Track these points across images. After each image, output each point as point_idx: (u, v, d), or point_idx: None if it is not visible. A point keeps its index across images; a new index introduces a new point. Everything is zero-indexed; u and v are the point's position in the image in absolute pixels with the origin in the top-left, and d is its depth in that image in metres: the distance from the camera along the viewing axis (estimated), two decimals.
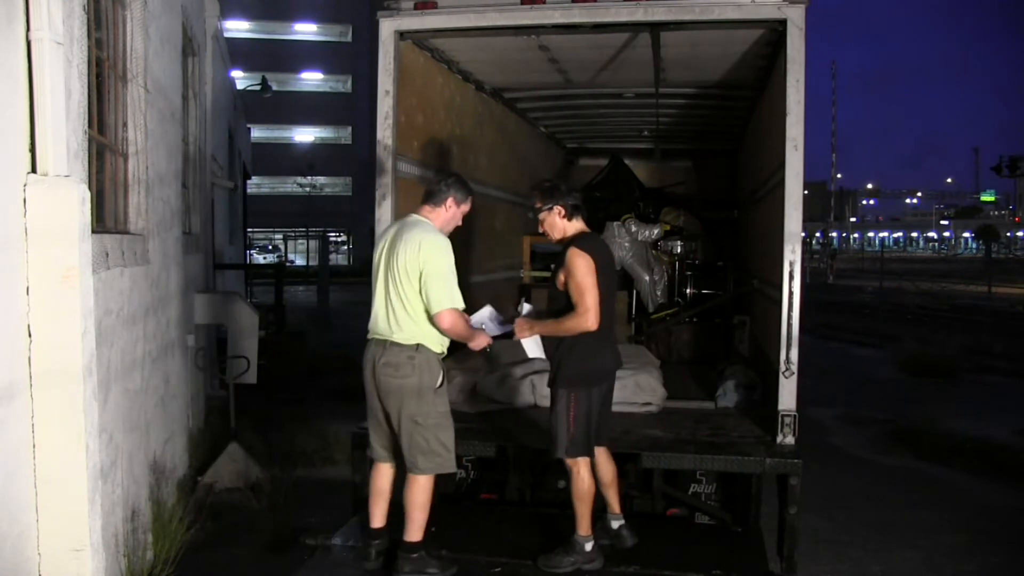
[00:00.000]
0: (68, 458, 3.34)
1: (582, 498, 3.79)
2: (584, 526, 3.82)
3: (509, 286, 8.02)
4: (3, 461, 3.11)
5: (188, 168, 7.31)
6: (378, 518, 3.92)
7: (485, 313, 3.86)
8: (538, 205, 3.89)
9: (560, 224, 3.87)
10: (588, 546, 3.83)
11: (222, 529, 5.45)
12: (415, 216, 3.81)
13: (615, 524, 3.95)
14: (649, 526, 4.42)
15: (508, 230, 7.90)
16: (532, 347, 3.92)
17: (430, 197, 3.82)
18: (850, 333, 16.45)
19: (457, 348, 5.79)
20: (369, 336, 3.78)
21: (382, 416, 3.79)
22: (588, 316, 3.66)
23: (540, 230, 3.97)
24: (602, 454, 3.96)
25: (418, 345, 3.66)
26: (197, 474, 6.16)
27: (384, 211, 4.86)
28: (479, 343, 3.81)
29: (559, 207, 3.85)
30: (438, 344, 3.74)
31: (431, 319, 3.63)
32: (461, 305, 3.65)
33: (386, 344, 3.68)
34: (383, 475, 3.92)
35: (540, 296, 7.65)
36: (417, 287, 3.61)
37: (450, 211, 3.82)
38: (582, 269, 3.67)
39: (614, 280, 3.95)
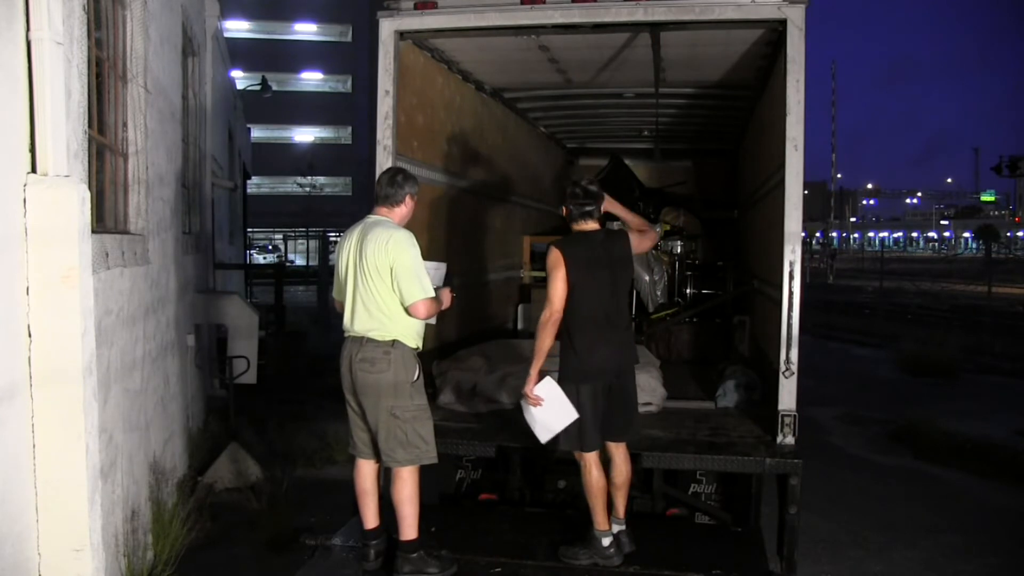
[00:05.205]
0: (68, 458, 3.34)
1: (591, 492, 3.87)
2: (599, 520, 3.88)
3: (509, 286, 8.02)
4: (3, 461, 3.11)
5: (188, 168, 7.31)
6: (371, 519, 3.94)
7: (546, 386, 3.89)
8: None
9: (568, 221, 4.05)
10: (605, 541, 3.87)
11: (222, 529, 5.45)
12: (374, 216, 3.86)
13: (615, 528, 3.96)
14: (649, 526, 4.43)
15: (508, 230, 7.90)
16: (557, 410, 3.86)
17: (386, 200, 3.87)
18: (850, 333, 16.44)
19: (456, 348, 5.82)
20: (346, 335, 3.83)
21: (360, 412, 3.83)
22: (547, 307, 3.84)
23: None
24: (618, 454, 4.00)
25: (394, 341, 3.72)
26: (197, 474, 6.16)
27: None
28: (446, 302, 3.92)
29: (563, 207, 4.05)
30: (413, 339, 3.79)
31: (406, 313, 3.70)
32: (431, 293, 3.73)
33: (362, 341, 3.74)
34: (365, 474, 3.94)
35: (540, 296, 7.66)
36: (388, 283, 3.67)
37: (407, 207, 3.93)
38: (548, 264, 3.91)
39: (607, 280, 3.93)
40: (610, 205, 4.09)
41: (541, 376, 3.90)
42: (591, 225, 3.99)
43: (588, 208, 3.96)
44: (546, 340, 3.84)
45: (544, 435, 3.93)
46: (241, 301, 7.40)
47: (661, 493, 4.95)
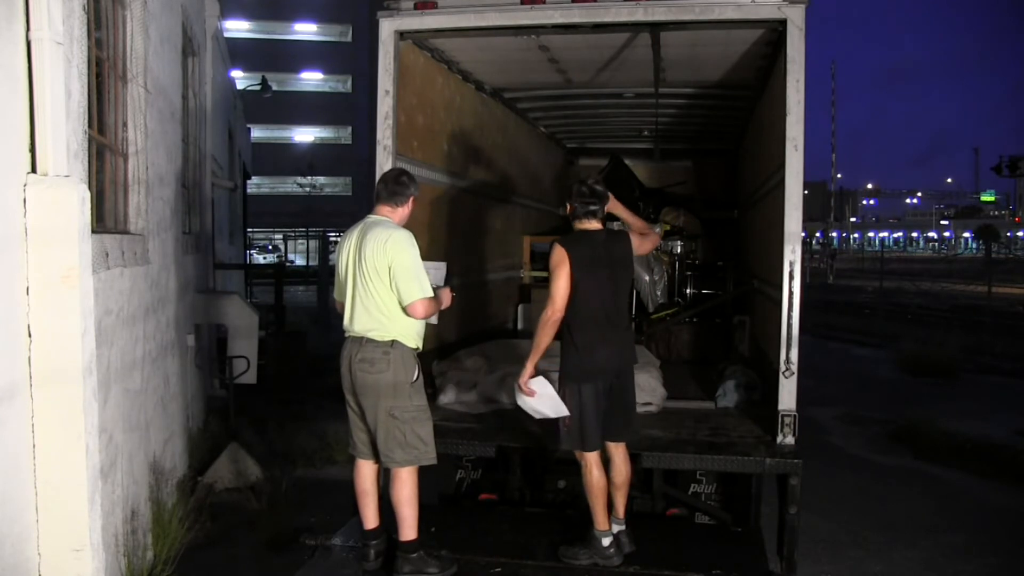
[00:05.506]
0: (68, 458, 3.34)
1: (592, 492, 3.87)
2: (599, 520, 3.88)
3: (509, 286, 8.02)
4: (3, 461, 3.11)
5: (188, 168, 7.31)
6: (370, 519, 3.94)
7: (539, 383, 3.93)
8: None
9: (572, 219, 4.05)
10: (605, 541, 3.88)
11: (222, 529, 5.45)
12: (375, 216, 3.87)
13: (615, 528, 3.96)
14: (649, 526, 4.43)
15: (508, 230, 7.90)
16: (548, 404, 3.92)
17: (392, 197, 3.88)
18: (850, 333, 16.44)
19: (456, 348, 5.81)
20: (346, 335, 3.84)
21: (359, 412, 3.84)
22: (549, 305, 3.84)
23: None
24: (618, 454, 4.00)
25: (393, 341, 3.72)
26: (197, 474, 6.16)
27: None
28: (446, 302, 3.93)
29: (568, 203, 4.05)
30: (413, 340, 3.79)
31: (404, 313, 3.70)
32: (430, 293, 3.73)
33: (362, 341, 3.74)
34: (365, 474, 3.94)
35: (540, 296, 7.66)
36: (387, 283, 3.68)
37: (409, 208, 3.95)
38: (551, 262, 3.90)
39: (609, 279, 3.94)
40: (614, 207, 4.10)
41: (542, 377, 3.92)
42: (594, 224, 3.99)
43: (593, 207, 3.97)
44: (545, 338, 3.85)
45: (535, 415, 4.01)
46: (241, 301, 7.40)
47: (661, 493, 4.95)
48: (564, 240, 3.94)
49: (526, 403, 3.97)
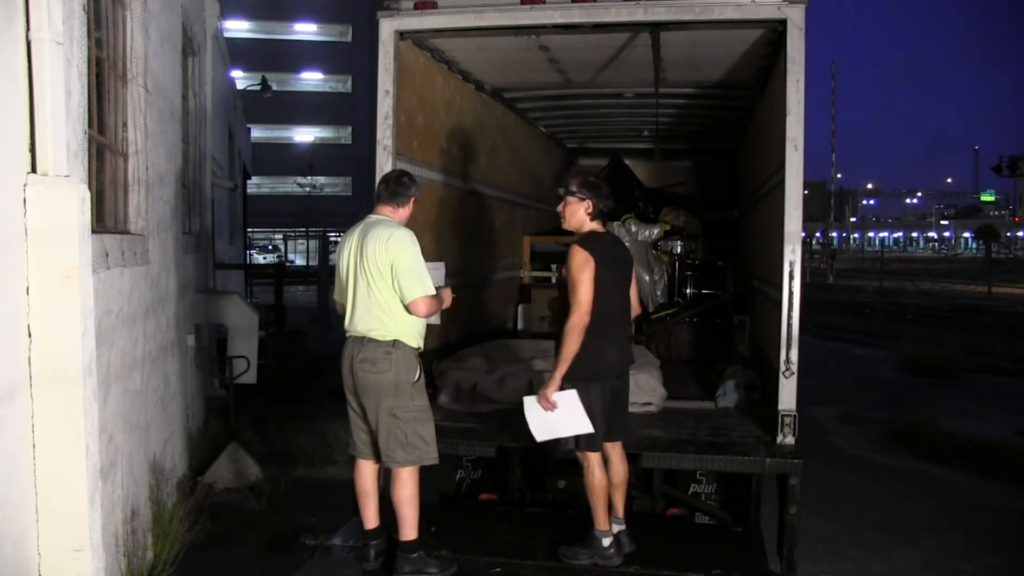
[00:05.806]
0: (68, 458, 3.34)
1: (594, 492, 3.85)
2: (600, 521, 3.87)
3: (509, 286, 8.02)
4: (3, 461, 3.11)
5: (188, 168, 7.31)
6: (371, 519, 3.94)
7: (570, 397, 3.80)
8: (574, 188, 3.95)
9: (581, 217, 3.96)
10: (606, 541, 3.87)
11: (222, 529, 5.45)
12: (375, 216, 3.87)
13: (615, 528, 3.96)
14: (649, 526, 4.43)
15: (508, 230, 7.90)
16: (569, 418, 3.79)
17: (393, 198, 3.88)
18: (850, 333, 16.43)
19: (456, 348, 5.81)
20: (347, 335, 3.84)
21: (360, 412, 3.84)
22: (578, 310, 3.74)
23: (559, 209, 4.03)
24: (616, 453, 4.00)
25: (395, 341, 3.72)
26: (197, 474, 6.16)
27: None
28: (447, 301, 3.91)
29: (590, 202, 3.94)
30: (415, 339, 3.80)
31: (407, 312, 3.70)
32: (432, 291, 3.73)
33: (363, 341, 3.74)
34: (366, 474, 3.95)
35: (540, 296, 7.67)
36: (389, 281, 3.68)
37: (410, 209, 3.95)
38: (577, 265, 3.78)
39: (620, 280, 3.96)
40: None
41: (574, 391, 3.80)
42: (602, 227, 3.99)
43: (607, 210, 3.98)
44: (575, 345, 3.72)
45: (543, 436, 3.89)
46: (241, 301, 7.39)
47: (661, 493, 4.95)
48: (584, 243, 3.85)
49: (536, 415, 3.85)
